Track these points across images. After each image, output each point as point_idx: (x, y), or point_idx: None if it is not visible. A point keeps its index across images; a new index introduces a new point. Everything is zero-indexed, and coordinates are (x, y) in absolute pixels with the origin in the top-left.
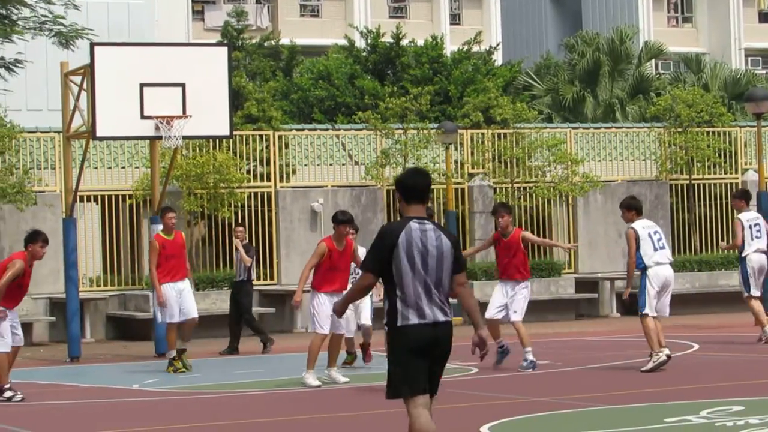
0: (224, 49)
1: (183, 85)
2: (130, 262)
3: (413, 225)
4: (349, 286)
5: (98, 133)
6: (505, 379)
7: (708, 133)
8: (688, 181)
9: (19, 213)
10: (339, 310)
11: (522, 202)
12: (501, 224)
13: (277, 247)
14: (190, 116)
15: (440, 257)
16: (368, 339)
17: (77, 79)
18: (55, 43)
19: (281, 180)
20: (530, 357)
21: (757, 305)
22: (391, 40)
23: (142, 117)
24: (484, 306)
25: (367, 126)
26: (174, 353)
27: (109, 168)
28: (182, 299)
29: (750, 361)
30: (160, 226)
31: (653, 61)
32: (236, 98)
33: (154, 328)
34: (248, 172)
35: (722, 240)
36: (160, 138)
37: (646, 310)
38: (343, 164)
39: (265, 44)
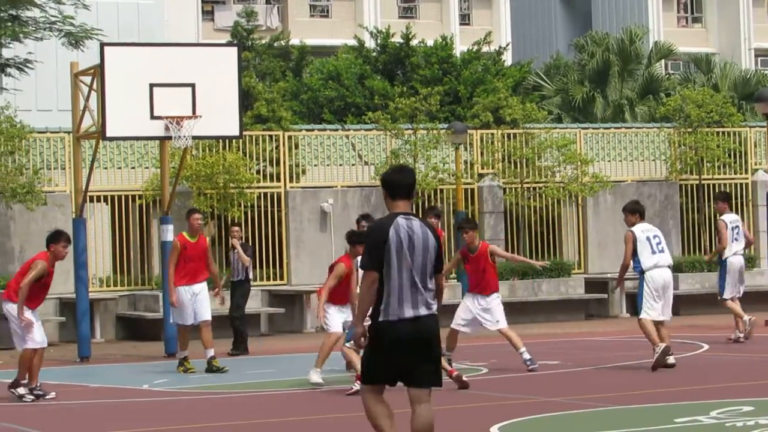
0: (234, 50)
1: (193, 86)
2: (140, 262)
3: (400, 221)
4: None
5: (108, 134)
6: (515, 380)
7: (718, 133)
8: (697, 182)
9: (29, 213)
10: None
11: (531, 202)
12: (466, 240)
13: (286, 247)
14: (200, 116)
15: (426, 252)
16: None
17: (87, 79)
18: (65, 44)
19: (291, 180)
20: (527, 356)
21: (734, 305)
22: (401, 41)
23: (152, 117)
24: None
25: (377, 126)
26: (185, 353)
27: (119, 168)
28: (196, 302)
29: (760, 362)
30: (171, 227)
31: (663, 61)
32: (246, 98)
33: (164, 328)
34: (258, 172)
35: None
36: (169, 138)
37: (643, 315)
38: (353, 164)
39: (275, 44)
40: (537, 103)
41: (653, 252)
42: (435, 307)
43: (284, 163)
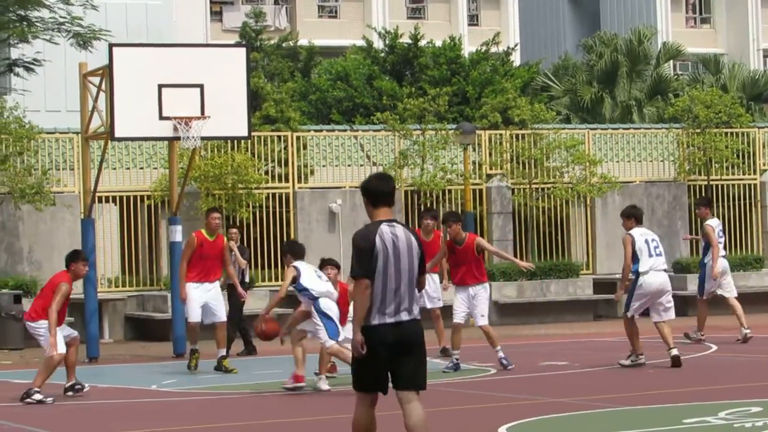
0: (242, 50)
1: (201, 86)
2: (149, 262)
3: (384, 228)
4: None
5: (117, 134)
6: (523, 380)
7: (726, 134)
8: (706, 182)
9: (38, 213)
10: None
11: (540, 203)
12: (450, 233)
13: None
14: (209, 117)
15: (410, 257)
16: None
17: (96, 80)
18: (73, 45)
19: (299, 181)
20: (501, 354)
21: (704, 309)
22: (409, 41)
23: (161, 118)
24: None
25: (386, 127)
26: (196, 347)
27: (128, 169)
28: (210, 302)
29: None
30: (179, 227)
31: (671, 62)
32: (254, 99)
33: (172, 328)
34: (266, 173)
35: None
36: (178, 139)
37: (630, 312)
38: (362, 165)
39: (284, 45)
40: (545, 104)
41: (650, 255)
42: (417, 311)
43: (293, 163)
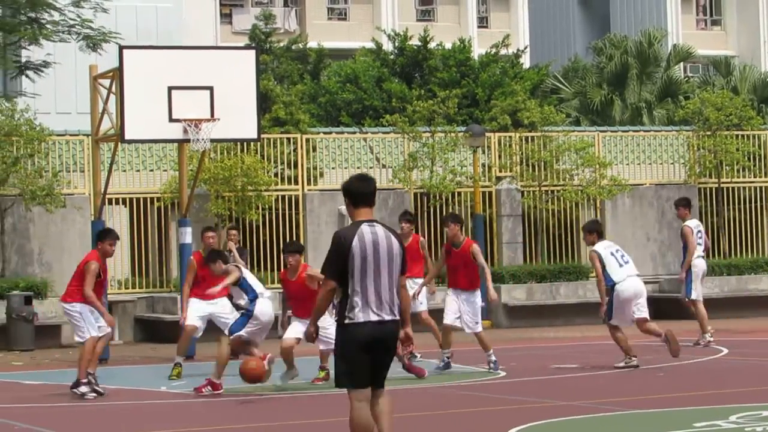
0: (252, 53)
1: (211, 89)
2: (158, 264)
3: (365, 228)
4: None
5: (127, 136)
6: (533, 383)
7: (737, 136)
8: (716, 185)
9: (48, 215)
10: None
11: (550, 205)
12: (449, 234)
13: (305, 250)
14: (218, 119)
15: (390, 258)
16: None
17: (106, 82)
18: (83, 48)
19: (309, 183)
20: (493, 358)
21: (702, 310)
22: (419, 43)
23: (170, 120)
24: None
25: (395, 129)
26: (180, 359)
27: (138, 171)
28: (215, 313)
29: None
30: (189, 229)
31: (682, 64)
32: (264, 101)
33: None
34: (276, 175)
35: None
36: (188, 141)
37: (614, 321)
38: (371, 167)
39: (293, 47)
40: (555, 106)
41: (620, 265)
42: (397, 311)
43: (302, 165)
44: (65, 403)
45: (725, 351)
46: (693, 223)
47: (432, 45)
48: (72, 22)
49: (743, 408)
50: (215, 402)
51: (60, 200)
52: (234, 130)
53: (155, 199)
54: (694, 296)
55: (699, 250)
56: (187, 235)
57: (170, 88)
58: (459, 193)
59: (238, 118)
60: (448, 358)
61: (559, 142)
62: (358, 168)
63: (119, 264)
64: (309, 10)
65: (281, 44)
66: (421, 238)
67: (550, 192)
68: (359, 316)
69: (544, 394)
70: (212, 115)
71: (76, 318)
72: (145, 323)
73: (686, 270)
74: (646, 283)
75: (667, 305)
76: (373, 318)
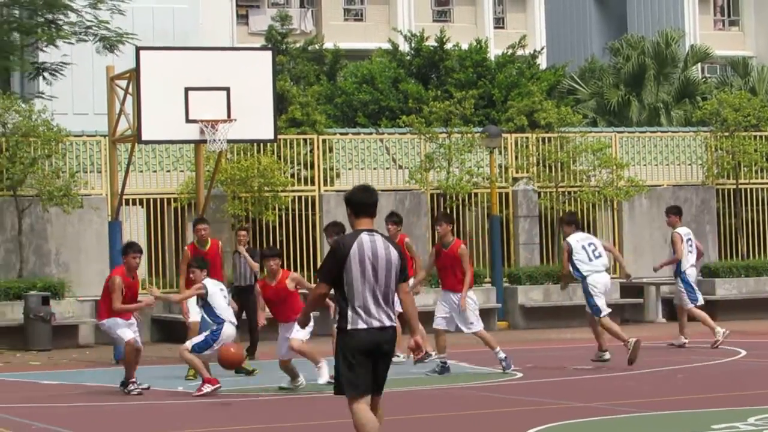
0: (268, 53)
1: (227, 89)
2: (175, 265)
3: (364, 237)
4: None
5: (143, 137)
6: (550, 384)
7: (755, 137)
8: (734, 186)
9: (66, 216)
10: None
11: (567, 206)
12: (439, 233)
13: (321, 250)
14: (235, 120)
15: (389, 266)
16: None
17: (123, 83)
18: (100, 49)
19: (325, 184)
20: (502, 354)
21: (703, 313)
22: (435, 44)
23: (187, 121)
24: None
25: (411, 130)
26: None
27: (154, 171)
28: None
29: None
30: None
31: (699, 64)
32: (280, 102)
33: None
34: (292, 176)
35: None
36: (204, 142)
37: (603, 312)
38: (387, 168)
39: (309, 48)
40: (572, 107)
41: (590, 259)
42: (394, 318)
43: (318, 166)
44: (83, 402)
45: (743, 353)
46: (683, 231)
47: (448, 46)
48: (89, 24)
49: (762, 410)
50: (231, 402)
51: (77, 201)
52: (250, 131)
53: (172, 200)
54: (701, 302)
55: (692, 259)
56: None
57: (187, 89)
58: (475, 194)
59: (255, 119)
60: (443, 363)
61: (576, 143)
62: (374, 169)
63: None
64: (325, 10)
65: (297, 45)
66: (407, 239)
67: (567, 193)
68: (360, 322)
69: (562, 396)
70: (229, 115)
71: (110, 332)
72: (162, 323)
73: (661, 266)
74: (662, 284)
75: None
76: (375, 324)
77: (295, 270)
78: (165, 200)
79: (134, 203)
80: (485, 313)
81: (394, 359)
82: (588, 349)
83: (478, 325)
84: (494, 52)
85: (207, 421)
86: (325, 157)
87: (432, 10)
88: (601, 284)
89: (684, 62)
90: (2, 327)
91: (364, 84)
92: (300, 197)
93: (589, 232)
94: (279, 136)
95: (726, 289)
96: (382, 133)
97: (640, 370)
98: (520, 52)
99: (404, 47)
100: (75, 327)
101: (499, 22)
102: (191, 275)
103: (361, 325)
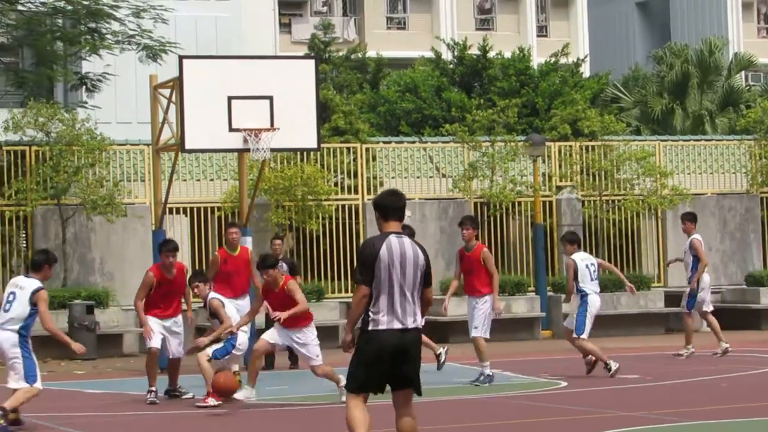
0: (311, 62)
1: (271, 98)
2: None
3: (392, 239)
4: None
5: (187, 146)
6: (594, 393)
7: None
8: None
9: (110, 225)
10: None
11: (610, 215)
12: (464, 237)
13: None
14: (278, 129)
15: (416, 268)
16: None
17: (166, 92)
18: (142, 58)
19: (369, 192)
20: (487, 371)
21: (692, 324)
22: (478, 53)
23: (230, 130)
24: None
25: (455, 138)
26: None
27: (198, 180)
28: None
29: None
30: (249, 239)
31: (743, 72)
32: (323, 111)
33: None
34: (336, 184)
35: None
36: (248, 150)
37: (584, 335)
38: (431, 177)
39: (352, 57)
40: (615, 115)
41: (591, 279)
42: (420, 320)
43: (362, 175)
44: (127, 411)
45: None
46: (701, 237)
47: (491, 54)
48: (132, 33)
49: None
50: (274, 411)
51: (121, 210)
52: (294, 140)
53: (216, 209)
54: (711, 308)
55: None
56: (248, 245)
57: (230, 98)
58: (519, 203)
59: (298, 128)
60: (487, 372)
61: (619, 151)
62: (417, 177)
63: None
64: (368, 19)
65: (340, 54)
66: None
67: (610, 202)
68: (383, 322)
69: (606, 405)
70: (272, 124)
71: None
72: (205, 331)
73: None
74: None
75: (731, 315)
76: (396, 326)
77: (339, 279)
78: (209, 209)
79: (178, 212)
80: (530, 322)
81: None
82: (632, 359)
83: (479, 332)
84: (537, 60)
85: (250, 430)
86: (368, 166)
87: (475, 18)
88: (596, 307)
89: (728, 70)
90: (47, 336)
91: (407, 92)
92: (343, 206)
93: (633, 240)
94: (322, 145)
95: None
96: (426, 142)
97: (684, 379)
98: (563, 60)
99: (447, 55)
100: (119, 336)
101: (542, 30)
102: (195, 290)
103: (382, 326)
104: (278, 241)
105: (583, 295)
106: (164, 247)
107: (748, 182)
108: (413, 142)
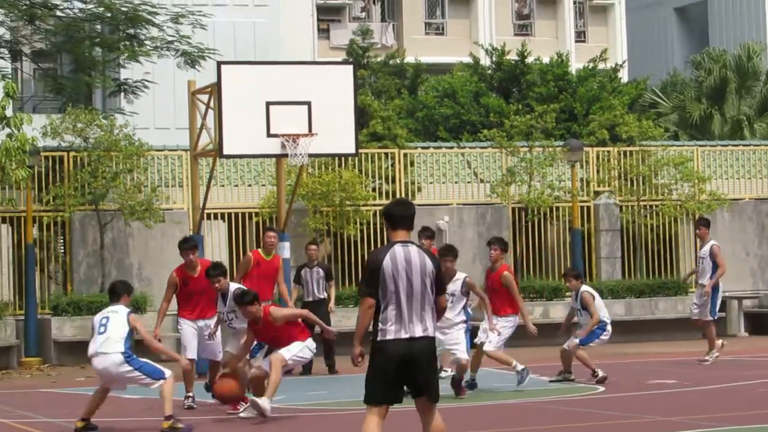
0: (350, 68)
1: (309, 104)
2: None
3: (397, 248)
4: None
5: (225, 151)
6: (632, 398)
7: None
8: None
9: (147, 230)
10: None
11: (648, 220)
12: (491, 257)
13: None
14: (316, 134)
15: (423, 276)
16: (461, 373)
17: (204, 97)
18: (180, 64)
19: (407, 198)
20: (519, 368)
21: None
22: (516, 58)
23: (269, 135)
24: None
25: (493, 144)
26: None
27: (236, 186)
28: None
29: None
30: (287, 244)
31: None
32: (362, 116)
33: None
34: (374, 189)
35: None
36: (286, 156)
37: (586, 347)
38: (469, 182)
39: (390, 62)
40: (653, 121)
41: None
42: (431, 328)
43: (400, 180)
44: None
45: None
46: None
47: (529, 59)
48: (170, 38)
49: None
50: (309, 417)
51: (159, 215)
52: (332, 145)
53: (253, 214)
54: (716, 316)
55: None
56: (286, 250)
57: (268, 104)
58: (557, 208)
59: (336, 133)
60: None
61: (657, 156)
62: (455, 183)
63: None
64: (406, 25)
65: (379, 59)
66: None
67: (648, 207)
68: (390, 332)
69: (644, 410)
70: (310, 130)
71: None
72: None
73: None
74: (745, 298)
75: None
76: (404, 335)
77: None
78: (246, 214)
79: (216, 217)
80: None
81: (442, 374)
82: (670, 363)
83: (491, 347)
84: (575, 65)
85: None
86: (406, 171)
87: (513, 23)
88: (608, 336)
89: (766, 75)
90: (85, 341)
91: (446, 98)
92: (381, 211)
93: (670, 245)
94: (360, 150)
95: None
96: (464, 147)
97: (721, 384)
98: (601, 65)
99: (485, 61)
100: (157, 341)
101: (581, 36)
102: (216, 284)
103: (389, 336)
104: (314, 247)
105: (604, 325)
106: (184, 245)
107: None
108: (451, 148)
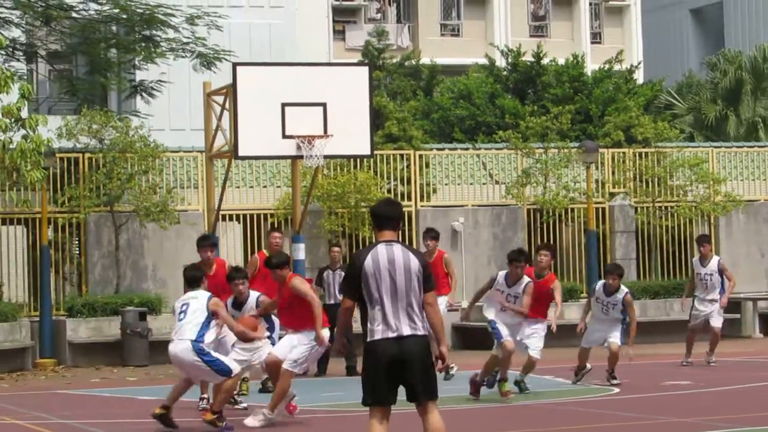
0: (365, 69)
1: (324, 105)
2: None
3: (380, 248)
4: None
5: (240, 153)
6: (647, 400)
7: None
8: None
9: (163, 231)
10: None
11: (663, 221)
12: (541, 264)
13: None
14: (331, 136)
15: (408, 274)
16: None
17: (220, 99)
18: (196, 66)
19: (422, 199)
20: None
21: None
22: (532, 59)
23: (284, 137)
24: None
25: (508, 145)
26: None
27: (251, 187)
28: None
29: None
30: (302, 245)
31: None
32: (377, 118)
33: None
34: (389, 191)
35: None
36: (301, 157)
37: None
38: (484, 183)
39: (406, 64)
40: (669, 122)
41: None
42: (421, 326)
43: (415, 182)
44: (179, 418)
45: None
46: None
47: (545, 61)
48: (186, 40)
49: None
50: (329, 418)
51: (174, 216)
52: (347, 147)
53: (268, 215)
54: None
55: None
56: (301, 252)
57: (283, 105)
58: (572, 209)
59: (351, 135)
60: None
61: (672, 158)
62: (471, 184)
63: None
64: (422, 26)
65: (394, 60)
66: (446, 255)
67: (663, 208)
68: (377, 332)
69: (658, 411)
70: (325, 131)
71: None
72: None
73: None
74: (760, 299)
75: None
76: (391, 335)
77: None
78: (262, 215)
79: (231, 219)
80: None
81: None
82: (678, 366)
83: (537, 354)
84: (591, 67)
85: None
86: (421, 173)
87: (529, 25)
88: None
89: None
90: (100, 343)
91: (461, 99)
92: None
93: (685, 247)
94: (375, 152)
95: None
96: (479, 149)
97: (736, 385)
98: (617, 66)
99: (501, 62)
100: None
101: (596, 37)
102: (240, 286)
103: (378, 336)
104: (336, 249)
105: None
106: (202, 242)
107: None
108: (467, 149)
